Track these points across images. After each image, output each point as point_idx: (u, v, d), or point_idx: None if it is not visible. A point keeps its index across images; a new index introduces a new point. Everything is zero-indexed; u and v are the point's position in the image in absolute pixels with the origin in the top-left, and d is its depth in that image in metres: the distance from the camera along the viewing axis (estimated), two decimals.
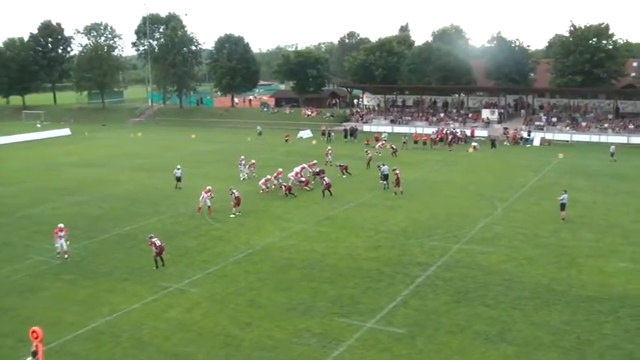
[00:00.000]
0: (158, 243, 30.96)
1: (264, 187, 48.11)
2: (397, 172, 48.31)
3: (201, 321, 24.56)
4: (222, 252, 33.59)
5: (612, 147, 65.95)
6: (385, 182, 49.73)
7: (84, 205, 45.71)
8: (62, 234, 32.65)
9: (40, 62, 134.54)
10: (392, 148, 67.28)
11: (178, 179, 50.57)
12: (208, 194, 42.11)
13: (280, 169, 50.28)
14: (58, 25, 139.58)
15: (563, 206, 39.29)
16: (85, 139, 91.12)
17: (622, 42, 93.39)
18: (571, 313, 24.91)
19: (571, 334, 23.01)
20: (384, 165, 51.31)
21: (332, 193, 46.69)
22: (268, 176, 49.07)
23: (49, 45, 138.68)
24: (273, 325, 24.09)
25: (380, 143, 70.65)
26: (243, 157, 56.52)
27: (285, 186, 47.27)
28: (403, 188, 47.26)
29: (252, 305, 26.13)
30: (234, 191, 42.16)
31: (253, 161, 56.15)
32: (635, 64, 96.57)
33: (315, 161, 55.57)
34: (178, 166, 51.73)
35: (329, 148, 65.53)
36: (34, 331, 18.99)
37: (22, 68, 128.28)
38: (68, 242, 33.03)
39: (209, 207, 41.84)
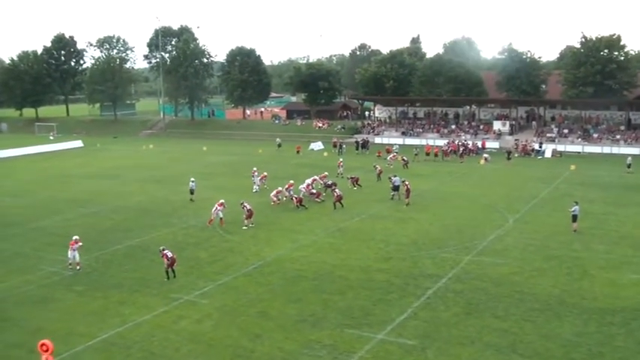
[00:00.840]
0: (170, 255, 31.04)
1: (275, 198, 48.18)
2: (407, 183, 48.40)
3: (211, 332, 24.57)
4: (233, 263, 33.63)
5: (629, 158, 65.73)
6: (396, 193, 49.80)
7: (95, 217, 45.92)
8: (76, 245, 32.91)
9: (53, 75, 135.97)
10: (403, 160, 67.29)
11: (192, 192, 50.69)
12: (222, 207, 42.18)
13: (292, 181, 50.38)
14: (71, 38, 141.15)
15: (574, 218, 39.17)
16: (97, 151, 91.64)
17: (634, 53, 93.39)
18: (582, 325, 24.77)
19: (582, 346, 22.87)
20: (395, 176, 51.39)
21: (343, 205, 46.70)
22: (280, 188, 49.16)
23: (62, 58, 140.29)
24: (283, 336, 24.08)
25: (391, 155, 70.77)
26: (255, 168, 56.63)
27: (296, 198, 47.33)
28: (412, 200, 47.25)
29: (262, 317, 26.12)
30: (246, 204, 42.24)
31: (265, 173, 56.29)
32: None
33: (326, 173, 55.70)
34: (192, 179, 51.88)
35: (340, 160, 65.59)
36: (43, 344, 19.00)
37: (36, 81, 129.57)
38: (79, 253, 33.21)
39: (221, 219, 41.89)
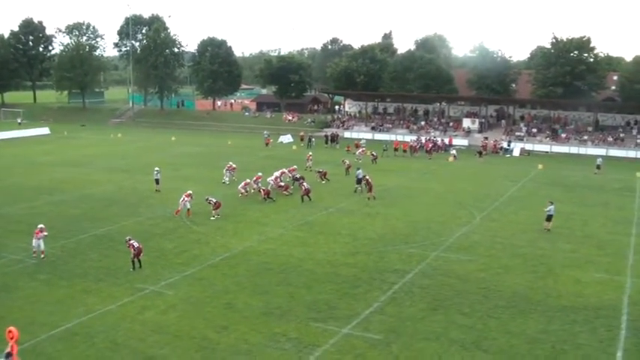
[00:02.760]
0: (136, 245, 30.71)
1: (243, 190, 47.96)
2: (367, 177, 48.64)
3: (176, 323, 24.36)
4: (199, 255, 33.41)
5: (599, 159, 66.30)
6: (359, 186, 50.27)
7: (61, 205, 45.29)
8: (41, 235, 32.43)
9: (20, 60, 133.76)
10: (372, 155, 67.43)
11: (157, 182, 50.23)
12: (189, 198, 41.89)
13: (260, 174, 50.17)
14: (40, 23, 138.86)
15: (549, 217, 39.50)
16: (65, 139, 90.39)
17: (603, 55, 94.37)
18: (547, 322, 25.04)
19: (546, 343, 23.12)
20: (358, 169, 52.09)
21: (311, 198, 46.66)
22: (248, 180, 48.94)
23: (30, 43, 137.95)
24: (249, 329, 23.97)
25: (360, 150, 70.87)
26: (231, 163, 56.40)
27: (263, 190, 47.16)
28: (380, 195, 47.40)
29: (228, 309, 25.99)
30: (212, 199, 41.98)
31: (233, 165, 55.83)
32: (615, 77, 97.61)
33: (295, 166, 55.57)
34: (157, 169, 51.38)
35: (310, 153, 65.52)
36: (10, 331, 18.69)
37: (2, 65, 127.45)
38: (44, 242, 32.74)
39: (188, 210, 41.61)
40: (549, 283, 29.70)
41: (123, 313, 25.40)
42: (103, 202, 46.41)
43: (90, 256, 33.03)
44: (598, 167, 64.62)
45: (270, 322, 24.67)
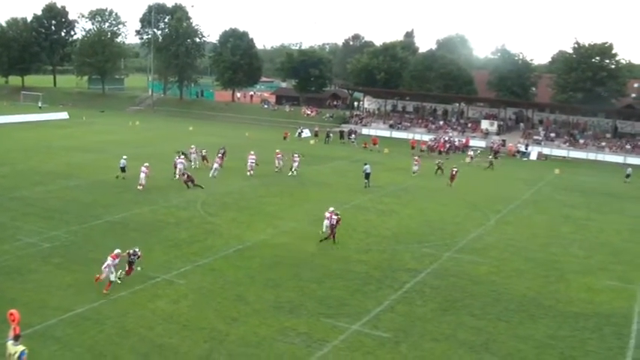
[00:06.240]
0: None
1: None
2: (455, 170, 54.74)
3: (187, 313, 24.48)
4: (212, 246, 33.51)
5: (629, 169, 65.39)
6: (367, 181, 51.04)
7: (76, 190, 45.54)
8: (117, 260, 26.64)
9: (42, 44, 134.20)
10: (489, 161, 67.69)
11: (123, 169, 50.02)
12: (147, 170, 46.49)
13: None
14: (63, 8, 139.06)
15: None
16: (83, 124, 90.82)
17: (624, 62, 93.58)
18: (556, 327, 24.95)
19: (555, 348, 23.04)
20: (366, 164, 52.65)
21: (189, 187, 46.89)
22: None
23: (52, 27, 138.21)
24: (259, 321, 24.04)
25: (470, 155, 71.09)
26: (278, 150, 58.03)
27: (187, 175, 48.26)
28: (396, 194, 47.29)
29: (239, 301, 26.06)
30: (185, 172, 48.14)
31: (222, 150, 57.13)
32: (636, 85, 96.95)
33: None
34: (125, 156, 51.07)
35: (278, 150, 64.03)
36: (11, 314, 18.76)
37: (24, 49, 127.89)
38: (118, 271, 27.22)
39: (141, 183, 45.83)
40: (560, 289, 29.57)
41: (134, 300, 25.54)
42: (119, 188, 46.57)
43: (103, 241, 33.08)
44: (628, 176, 63.53)
45: (280, 315, 24.73)
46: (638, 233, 41.49)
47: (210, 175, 51.35)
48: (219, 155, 55.28)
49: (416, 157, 57.49)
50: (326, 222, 35.42)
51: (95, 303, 24.96)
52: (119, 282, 26.84)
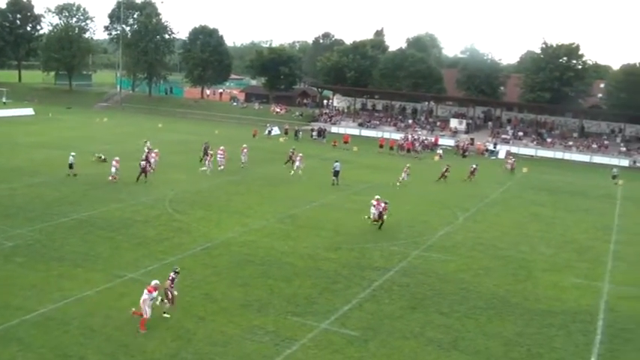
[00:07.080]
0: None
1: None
2: (475, 166, 58.06)
3: (154, 312, 24.13)
4: (180, 244, 33.17)
5: (615, 169, 65.76)
6: (335, 178, 51.30)
7: (42, 187, 44.75)
8: (155, 293, 23.02)
9: (7, 38, 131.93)
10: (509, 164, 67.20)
11: (70, 166, 49.34)
12: (117, 164, 47.63)
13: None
14: (28, 1, 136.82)
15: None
16: (49, 121, 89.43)
17: (591, 63, 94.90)
18: (524, 325, 25.11)
19: (522, 345, 23.18)
20: (336, 162, 52.71)
21: (145, 179, 47.55)
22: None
23: (18, 22, 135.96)
24: (226, 320, 23.83)
25: (509, 162, 68.60)
26: (222, 147, 57.22)
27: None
28: (365, 192, 47.31)
29: (207, 299, 25.83)
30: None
31: (157, 150, 55.64)
32: (602, 85, 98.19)
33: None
34: (73, 153, 50.24)
35: (293, 147, 64.88)
36: None
37: None
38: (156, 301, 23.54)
39: (113, 176, 46.92)
40: (528, 287, 29.81)
41: (100, 299, 25.13)
42: (85, 186, 45.88)
43: (69, 240, 32.61)
44: (614, 177, 63.62)
45: (248, 314, 24.54)
46: (603, 231, 42.09)
47: (205, 169, 53.03)
48: (206, 151, 56.92)
49: (408, 165, 56.30)
50: (373, 209, 38.74)
51: (59, 303, 24.50)
52: (167, 316, 23.85)
